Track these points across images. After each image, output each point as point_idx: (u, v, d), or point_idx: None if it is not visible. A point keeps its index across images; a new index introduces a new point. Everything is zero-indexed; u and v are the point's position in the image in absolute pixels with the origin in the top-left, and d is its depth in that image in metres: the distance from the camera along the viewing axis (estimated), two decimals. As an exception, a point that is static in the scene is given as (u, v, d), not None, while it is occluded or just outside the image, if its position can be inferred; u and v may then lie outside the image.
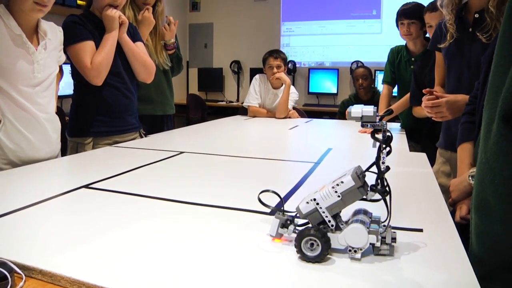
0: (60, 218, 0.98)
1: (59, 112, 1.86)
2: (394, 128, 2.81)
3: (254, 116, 3.33)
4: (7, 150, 1.60)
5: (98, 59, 1.90)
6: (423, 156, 1.78)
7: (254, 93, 3.34)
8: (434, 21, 2.29)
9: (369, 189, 0.76)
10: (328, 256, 0.76)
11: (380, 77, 5.28)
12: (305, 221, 0.80)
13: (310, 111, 4.82)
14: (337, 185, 0.75)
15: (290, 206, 1.05)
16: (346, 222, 0.78)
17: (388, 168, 0.75)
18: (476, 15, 1.70)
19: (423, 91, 1.72)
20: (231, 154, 1.78)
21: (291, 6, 6.18)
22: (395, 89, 2.98)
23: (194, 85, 6.68)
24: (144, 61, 2.10)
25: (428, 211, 1.08)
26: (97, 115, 2.01)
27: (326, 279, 0.69)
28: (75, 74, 1.98)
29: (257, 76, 3.41)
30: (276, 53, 3.33)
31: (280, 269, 0.73)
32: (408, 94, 2.58)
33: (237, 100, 6.40)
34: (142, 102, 2.32)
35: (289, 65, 5.59)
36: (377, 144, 0.75)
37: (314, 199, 0.76)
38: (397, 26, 2.72)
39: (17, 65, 1.57)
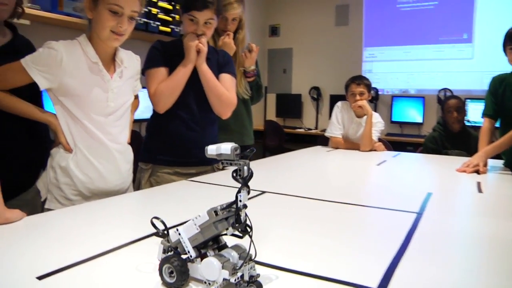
0: (130, 277, 0.84)
1: (136, 136, 1.82)
2: (496, 166, 2.47)
3: (337, 148, 3.12)
4: (76, 181, 1.56)
5: (161, 87, 1.87)
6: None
7: (337, 122, 3.13)
8: None
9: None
10: (190, 284, 0.78)
11: (471, 106, 4.86)
12: None
13: (392, 141, 4.51)
14: (196, 218, 0.77)
15: (399, 279, 0.84)
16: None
17: (245, 206, 0.76)
18: None
19: None
20: (316, 197, 1.57)
21: (374, 31, 5.94)
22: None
23: (272, 111, 6.59)
24: (219, 95, 1.96)
25: None
26: (159, 142, 1.97)
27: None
28: None
29: (339, 103, 3.20)
30: (359, 79, 3.13)
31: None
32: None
33: (316, 128, 6.20)
34: (219, 131, 2.20)
35: (371, 92, 5.35)
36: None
37: (177, 230, 0.78)
38: (504, 51, 2.41)
39: (92, 93, 1.55)
